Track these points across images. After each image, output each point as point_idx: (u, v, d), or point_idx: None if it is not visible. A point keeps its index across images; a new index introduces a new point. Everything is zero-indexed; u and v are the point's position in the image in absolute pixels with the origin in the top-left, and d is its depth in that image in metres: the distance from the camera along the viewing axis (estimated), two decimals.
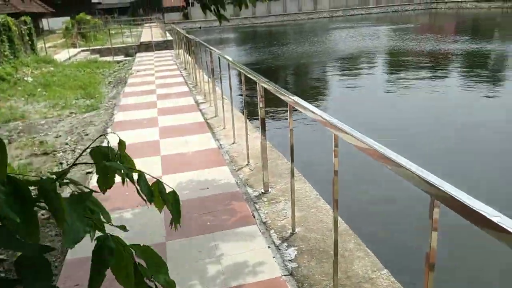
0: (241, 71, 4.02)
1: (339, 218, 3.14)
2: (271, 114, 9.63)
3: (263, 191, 3.66)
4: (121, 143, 1.15)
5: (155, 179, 1.16)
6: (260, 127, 3.63)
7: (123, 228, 1.03)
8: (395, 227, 4.77)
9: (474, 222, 1.08)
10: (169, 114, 6.86)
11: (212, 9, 3.29)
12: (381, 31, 31.10)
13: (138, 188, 1.10)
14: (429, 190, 1.27)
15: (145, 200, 1.12)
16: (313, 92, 12.83)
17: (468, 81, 12.46)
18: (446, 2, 54.66)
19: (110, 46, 18.85)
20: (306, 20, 53.12)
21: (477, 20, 36.30)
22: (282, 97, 2.78)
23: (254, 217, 3.28)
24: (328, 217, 3.11)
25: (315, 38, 28.87)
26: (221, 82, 6.02)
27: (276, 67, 18.42)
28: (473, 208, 1.08)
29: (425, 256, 1.35)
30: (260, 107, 3.51)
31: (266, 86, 3.22)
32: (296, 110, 2.59)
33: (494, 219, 1.01)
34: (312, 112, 2.26)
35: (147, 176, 1.12)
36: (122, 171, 1.07)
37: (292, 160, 2.86)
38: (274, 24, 51.43)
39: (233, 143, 5.07)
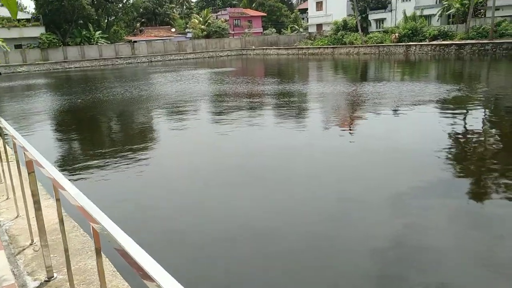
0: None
1: None
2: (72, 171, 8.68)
3: (46, 279, 3.02)
4: None
5: None
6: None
7: None
8: None
9: None
10: None
11: None
12: (205, 74, 32.72)
13: None
14: None
15: None
16: (137, 139, 12.27)
17: (281, 117, 13.81)
18: (254, 49, 61.25)
19: None
20: (124, 65, 52.13)
21: (281, 64, 41.51)
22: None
23: None
24: None
25: (138, 82, 28.38)
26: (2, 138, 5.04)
27: (94, 114, 17.17)
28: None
29: None
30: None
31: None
32: None
33: None
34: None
35: None
36: None
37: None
38: (89, 68, 48.88)
39: (16, 217, 4.20)
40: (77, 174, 8.73)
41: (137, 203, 7.10)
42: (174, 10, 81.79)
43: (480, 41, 36.47)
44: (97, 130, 14.38)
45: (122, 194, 7.59)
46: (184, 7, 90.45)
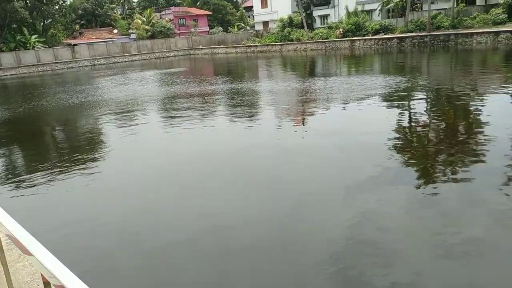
0: None
1: None
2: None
3: None
4: None
5: None
6: None
7: None
8: None
9: None
10: None
11: None
12: (153, 76, 31.77)
13: None
14: None
15: None
16: (86, 148, 11.52)
17: (234, 117, 13.55)
18: (202, 48, 60.49)
19: None
20: (65, 70, 49.59)
21: (230, 63, 41.22)
22: None
23: None
24: None
25: (83, 87, 26.96)
26: None
27: (37, 124, 16.03)
28: None
29: None
30: None
31: None
32: None
33: None
34: None
35: None
36: None
37: None
38: (27, 75, 45.99)
39: None
40: (21, 191, 8.00)
41: (89, 218, 6.59)
42: (115, 11, 78.96)
43: (419, 34, 38.24)
44: (40, 142, 13.41)
45: (71, 210, 7.03)
46: (126, 7, 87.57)
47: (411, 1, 41.90)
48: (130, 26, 69.12)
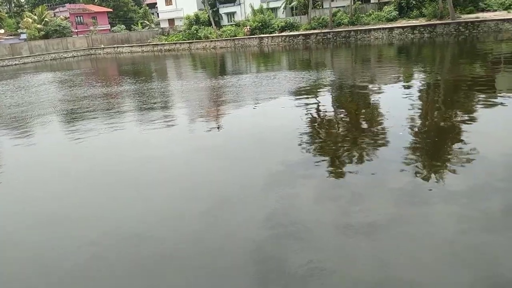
0: None
1: None
2: None
3: None
4: None
5: None
6: None
7: None
8: None
9: None
10: None
11: None
12: (50, 79, 28.78)
13: None
14: None
15: None
16: None
17: (143, 119, 12.58)
18: (103, 48, 56.84)
19: None
20: None
21: (136, 63, 39.09)
22: None
23: None
24: None
25: None
26: None
27: None
28: None
29: None
30: None
31: None
32: None
33: None
34: None
35: None
36: None
37: None
38: None
39: None
40: None
41: None
42: (1, 9, 71.05)
43: (323, 31, 39.94)
44: None
45: None
46: (13, 4, 79.27)
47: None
48: (19, 25, 62.59)
